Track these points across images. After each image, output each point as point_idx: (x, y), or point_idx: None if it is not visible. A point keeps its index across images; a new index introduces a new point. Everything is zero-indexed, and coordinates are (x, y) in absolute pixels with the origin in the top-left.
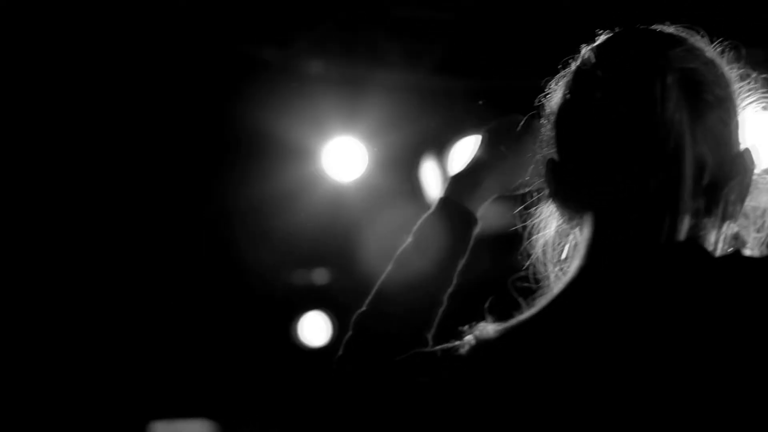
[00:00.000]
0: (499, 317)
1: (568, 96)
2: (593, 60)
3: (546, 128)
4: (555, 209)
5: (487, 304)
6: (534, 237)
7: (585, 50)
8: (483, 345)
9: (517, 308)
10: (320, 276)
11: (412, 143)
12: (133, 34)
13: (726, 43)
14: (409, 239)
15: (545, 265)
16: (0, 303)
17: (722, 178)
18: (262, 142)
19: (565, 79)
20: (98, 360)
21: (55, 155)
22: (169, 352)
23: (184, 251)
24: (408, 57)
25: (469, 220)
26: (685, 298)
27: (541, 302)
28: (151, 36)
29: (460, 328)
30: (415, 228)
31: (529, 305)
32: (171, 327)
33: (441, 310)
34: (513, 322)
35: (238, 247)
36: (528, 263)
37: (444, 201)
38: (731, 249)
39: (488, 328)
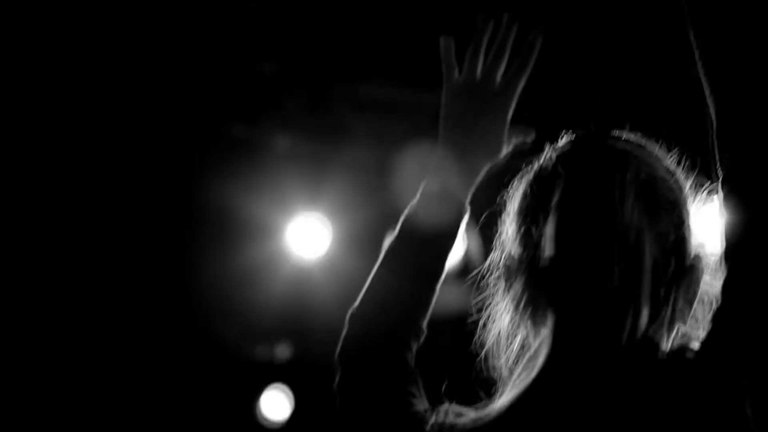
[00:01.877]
0: (458, 401)
1: (529, 195)
2: (555, 161)
3: (505, 226)
4: (510, 301)
5: (443, 388)
6: (488, 328)
7: (547, 150)
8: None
9: (473, 393)
10: (283, 351)
11: (376, 221)
12: (99, 107)
13: (682, 152)
14: (397, 230)
15: (498, 355)
16: None
17: (674, 280)
18: (229, 218)
19: (527, 178)
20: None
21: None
22: (132, 424)
23: (150, 324)
24: (374, 135)
25: (458, 207)
26: (644, 396)
27: (507, 397)
28: (117, 109)
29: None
30: (402, 218)
31: (490, 397)
32: (135, 398)
33: (434, 299)
34: (478, 414)
35: (203, 321)
36: (482, 353)
37: (428, 188)
38: (678, 347)
39: (450, 414)
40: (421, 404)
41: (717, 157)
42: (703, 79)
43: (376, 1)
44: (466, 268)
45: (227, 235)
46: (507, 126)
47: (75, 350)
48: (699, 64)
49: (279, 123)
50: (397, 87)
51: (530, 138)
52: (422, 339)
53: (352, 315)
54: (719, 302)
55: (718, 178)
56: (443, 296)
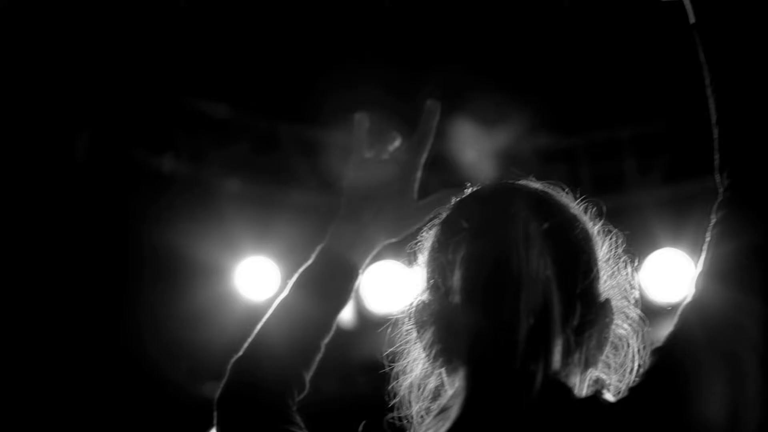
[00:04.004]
0: None
1: (436, 246)
2: (459, 212)
3: (418, 273)
4: (421, 351)
5: (361, 428)
6: (401, 378)
7: (453, 201)
8: None
9: None
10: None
11: None
12: (40, 151)
13: (589, 199)
14: (289, 288)
15: (410, 404)
16: None
17: (583, 326)
18: (178, 259)
19: (435, 228)
20: None
21: None
22: None
23: (98, 367)
24: (321, 178)
25: (349, 271)
26: None
27: None
28: (57, 151)
29: None
30: (295, 277)
31: None
32: None
33: (319, 356)
34: None
35: (152, 361)
36: (395, 402)
37: (323, 250)
38: (591, 392)
39: None
40: None
41: (717, 175)
42: (709, 89)
43: (323, 44)
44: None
45: (176, 277)
46: (412, 207)
47: (20, 395)
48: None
49: (228, 165)
50: (346, 129)
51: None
52: (304, 392)
53: (234, 364)
54: (661, 349)
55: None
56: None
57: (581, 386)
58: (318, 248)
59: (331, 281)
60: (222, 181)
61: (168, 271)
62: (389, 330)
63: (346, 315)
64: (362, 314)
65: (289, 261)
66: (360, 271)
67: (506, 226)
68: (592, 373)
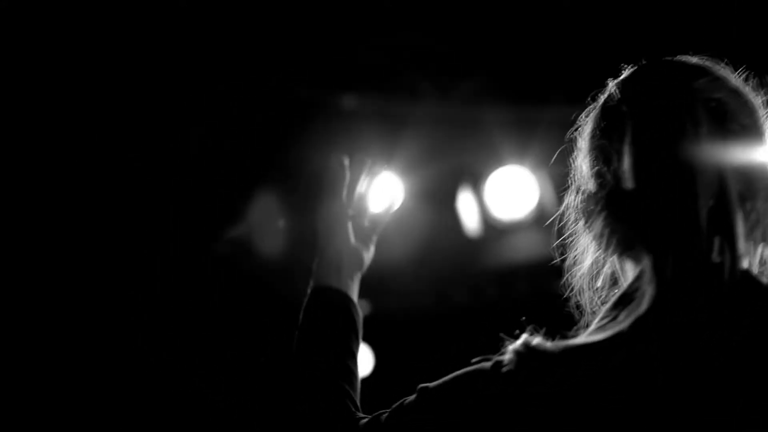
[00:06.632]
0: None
1: (598, 132)
2: (620, 95)
3: (577, 165)
4: (592, 239)
5: (523, 318)
6: (574, 268)
7: (611, 84)
8: (538, 355)
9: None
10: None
11: (447, 175)
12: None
13: (749, 71)
14: (300, 334)
15: (583, 292)
16: None
17: (757, 202)
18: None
19: (594, 114)
20: None
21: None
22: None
23: (221, 281)
24: (441, 89)
25: (349, 307)
26: (754, 327)
27: (607, 329)
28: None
29: (501, 334)
30: (301, 321)
31: (578, 328)
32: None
33: (357, 380)
34: (576, 341)
35: (270, 279)
36: (568, 292)
37: (318, 292)
38: None
39: (538, 341)
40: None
41: None
42: None
43: None
44: (541, 216)
45: (301, 195)
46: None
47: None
48: None
49: (346, 81)
50: (463, 39)
51: None
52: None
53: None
54: None
55: None
56: (520, 245)
57: (753, 264)
58: (312, 290)
59: (339, 324)
60: (341, 97)
61: (295, 190)
62: (552, 226)
63: (472, 223)
64: (488, 222)
65: (413, 173)
66: (357, 306)
67: (671, 108)
68: (764, 251)
